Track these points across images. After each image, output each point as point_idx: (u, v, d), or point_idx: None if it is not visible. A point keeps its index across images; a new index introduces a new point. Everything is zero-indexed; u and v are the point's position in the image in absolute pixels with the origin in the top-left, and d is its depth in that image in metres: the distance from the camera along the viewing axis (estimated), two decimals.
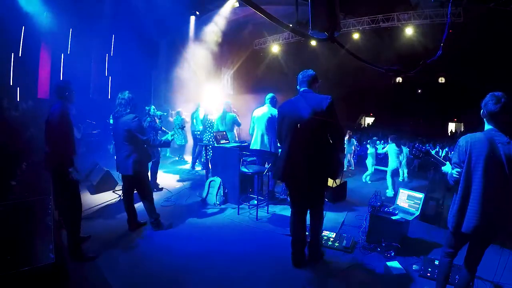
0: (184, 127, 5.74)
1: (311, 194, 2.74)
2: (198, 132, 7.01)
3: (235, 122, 5.95)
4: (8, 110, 5.55)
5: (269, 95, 4.64)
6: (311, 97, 2.63)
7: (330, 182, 5.09)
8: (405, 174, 7.41)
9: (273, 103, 4.59)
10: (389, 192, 5.83)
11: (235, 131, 6.20)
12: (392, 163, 5.88)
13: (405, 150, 6.78)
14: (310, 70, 2.76)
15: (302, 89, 2.72)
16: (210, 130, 6.12)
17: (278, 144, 3.47)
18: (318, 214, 2.84)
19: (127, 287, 2.48)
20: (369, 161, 7.28)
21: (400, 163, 6.40)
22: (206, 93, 8.24)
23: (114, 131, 3.38)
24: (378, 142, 9.33)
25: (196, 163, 7.37)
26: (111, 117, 3.34)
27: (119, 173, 3.46)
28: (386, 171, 6.11)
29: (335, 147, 2.63)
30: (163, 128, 5.29)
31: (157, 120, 5.20)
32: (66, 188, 2.77)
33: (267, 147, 4.43)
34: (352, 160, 8.97)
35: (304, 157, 2.56)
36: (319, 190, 2.79)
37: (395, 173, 6.01)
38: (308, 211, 2.84)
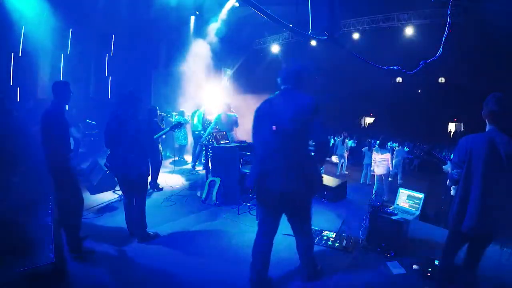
0: (179, 126, 5.59)
1: (294, 211, 2.36)
2: (202, 132, 6.98)
3: (236, 123, 5.94)
4: (8, 110, 5.55)
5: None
6: (294, 96, 2.21)
7: (330, 182, 5.11)
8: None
9: None
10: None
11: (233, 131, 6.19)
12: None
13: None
14: (297, 65, 2.40)
15: (284, 87, 2.30)
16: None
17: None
18: (308, 232, 2.49)
19: (126, 287, 2.49)
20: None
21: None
22: (206, 93, 8.24)
23: (120, 132, 3.03)
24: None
25: (197, 163, 7.36)
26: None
27: (128, 178, 3.11)
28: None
29: (315, 158, 2.25)
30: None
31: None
32: (66, 185, 2.77)
33: None
34: (345, 162, 8.70)
35: (280, 167, 2.14)
36: (304, 205, 2.37)
37: None
38: (293, 230, 2.48)
